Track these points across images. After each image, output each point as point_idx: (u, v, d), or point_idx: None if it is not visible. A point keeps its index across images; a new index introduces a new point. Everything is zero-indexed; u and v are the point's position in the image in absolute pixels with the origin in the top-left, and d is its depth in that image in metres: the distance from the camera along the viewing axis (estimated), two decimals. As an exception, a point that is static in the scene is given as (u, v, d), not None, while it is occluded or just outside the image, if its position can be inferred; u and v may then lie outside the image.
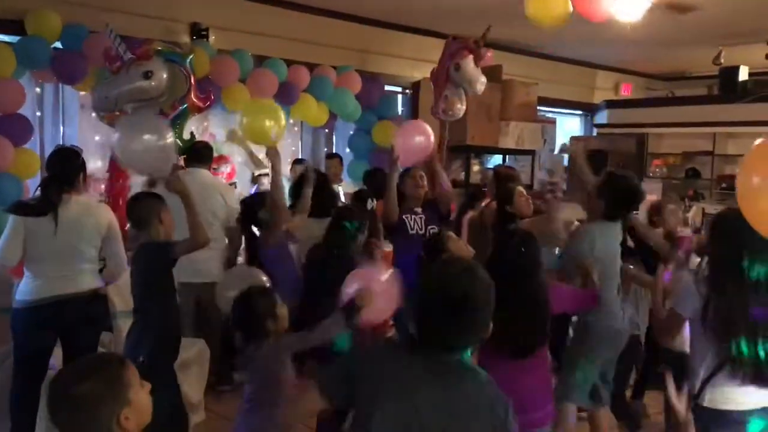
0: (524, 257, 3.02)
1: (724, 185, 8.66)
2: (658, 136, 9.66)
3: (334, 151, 7.55)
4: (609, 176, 3.77)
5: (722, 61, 8.53)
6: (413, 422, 1.82)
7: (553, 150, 9.66)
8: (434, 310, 1.88)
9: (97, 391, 1.63)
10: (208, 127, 6.65)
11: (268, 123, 4.80)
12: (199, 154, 5.08)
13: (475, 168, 8.32)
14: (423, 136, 4.79)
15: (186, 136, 5.00)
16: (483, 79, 6.21)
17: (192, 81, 4.87)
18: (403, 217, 4.65)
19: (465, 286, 1.87)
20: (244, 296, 2.92)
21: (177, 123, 4.81)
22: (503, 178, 5.17)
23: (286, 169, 5.85)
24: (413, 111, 8.07)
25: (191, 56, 4.98)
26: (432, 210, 4.79)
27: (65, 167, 3.73)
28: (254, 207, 4.56)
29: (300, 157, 7.26)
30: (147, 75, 4.50)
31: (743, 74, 8.58)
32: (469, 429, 1.84)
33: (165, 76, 4.59)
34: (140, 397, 1.71)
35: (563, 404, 3.52)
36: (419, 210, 4.74)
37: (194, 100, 4.93)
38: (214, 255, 4.75)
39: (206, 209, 4.42)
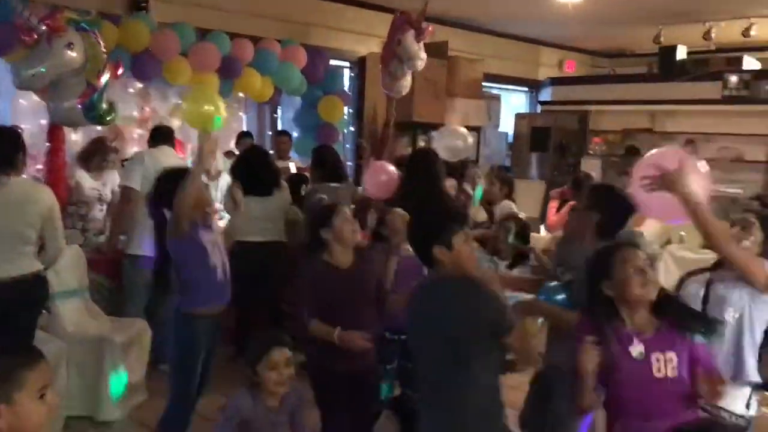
0: None
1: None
2: (599, 113, 9.83)
3: (279, 128, 7.47)
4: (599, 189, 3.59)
5: (662, 40, 8.72)
6: None
7: (497, 126, 9.78)
8: None
9: None
10: (150, 101, 6.50)
11: (207, 108, 4.73)
12: (163, 135, 5.11)
13: (422, 144, 8.36)
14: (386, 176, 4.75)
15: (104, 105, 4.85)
16: (423, 55, 6.22)
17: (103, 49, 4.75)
18: None
19: None
20: None
21: (100, 93, 4.70)
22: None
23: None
24: (359, 86, 8.03)
25: (98, 23, 4.86)
26: None
27: (4, 148, 3.60)
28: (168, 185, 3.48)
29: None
30: (70, 46, 4.40)
31: (681, 53, 8.78)
32: None
33: (84, 45, 4.50)
34: (29, 406, 1.58)
35: None
36: None
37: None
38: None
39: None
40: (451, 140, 4.82)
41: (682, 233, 5.82)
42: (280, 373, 2.84)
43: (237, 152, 6.15)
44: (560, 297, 3.09)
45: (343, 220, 3.28)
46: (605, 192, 3.38)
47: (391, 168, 4.76)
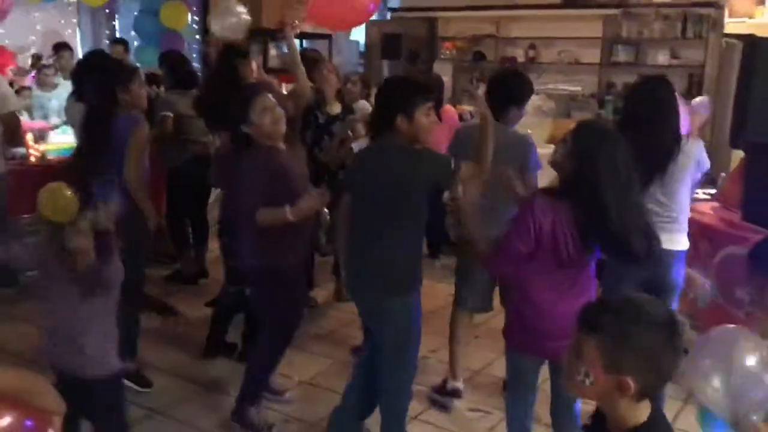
0: None
1: (507, 65, 9.21)
2: (447, 20, 9.98)
3: (117, 36, 6.97)
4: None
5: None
6: None
7: (349, 34, 9.68)
8: None
9: None
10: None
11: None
12: None
13: (272, 53, 8.13)
14: None
15: None
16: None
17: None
18: None
19: None
20: None
21: None
22: (310, 61, 5.17)
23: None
24: (203, -10, 7.61)
25: None
26: None
27: None
28: None
29: (78, 41, 6.64)
30: None
31: (524, -41, 9.00)
32: None
33: None
34: None
35: None
36: None
37: None
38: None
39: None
40: (226, 19, 4.54)
41: (529, 130, 6.10)
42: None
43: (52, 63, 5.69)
44: None
45: (261, 112, 3.04)
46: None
47: None
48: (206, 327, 4.04)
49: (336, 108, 4.60)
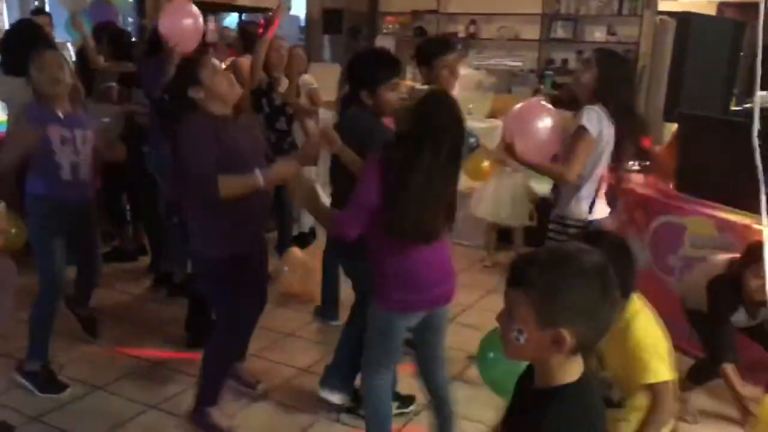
0: None
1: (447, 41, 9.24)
2: (388, -6, 9.94)
3: (42, 7, 6.66)
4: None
5: None
6: None
7: (290, 9, 9.52)
8: None
9: None
10: None
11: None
12: None
13: (212, 26, 7.94)
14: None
15: None
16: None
17: None
18: None
19: None
20: None
21: None
22: (250, 36, 5.10)
23: None
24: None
25: None
26: None
27: None
28: None
29: (5, 12, 6.33)
30: None
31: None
32: None
33: None
34: None
35: None
36: None
37: None
38: None
39: None
40: None
41: (470, 105, 6.14)
42: None
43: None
44: None
45: (213, 73, 2.79)
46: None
47: (195, 9, 4.26)
48: (147, 302, 3.96)
49: (284, 83, 4.58)
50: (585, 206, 3.11)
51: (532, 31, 8.93)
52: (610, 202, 3.30)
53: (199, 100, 2.77)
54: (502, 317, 1.36)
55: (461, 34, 9.36)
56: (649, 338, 2.15)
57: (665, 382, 2.13)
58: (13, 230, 3.56)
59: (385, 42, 8.78)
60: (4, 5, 6.52)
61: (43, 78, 3.07)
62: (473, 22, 9.39)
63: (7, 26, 6.07)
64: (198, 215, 2.84)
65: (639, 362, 2.13)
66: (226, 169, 2.62)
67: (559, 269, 1.28)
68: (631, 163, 3.98)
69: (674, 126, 4.97)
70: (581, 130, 3.00)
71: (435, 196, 2.38)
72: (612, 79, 3.06)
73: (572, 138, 3.04)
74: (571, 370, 1.33)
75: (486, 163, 5.20)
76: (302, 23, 9.89)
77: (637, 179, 4.45)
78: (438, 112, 2.40)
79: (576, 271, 1.28)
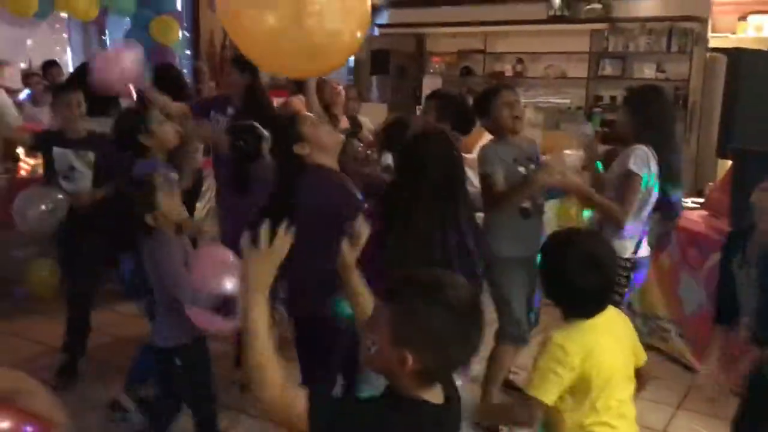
0: None
1: (494, 81, 9.31)
2: (435, 35, 10.07)
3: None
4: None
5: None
6: None
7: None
8: None
9: None
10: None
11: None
12: None
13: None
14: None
15: None
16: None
17: None
18: None
19: None
20: None
21: None
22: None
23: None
24: (193, 5, 7.65)
25: None
26: None
27: None
28: None
29: (69, 56, 6.64)
30: None
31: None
32: None
33: None
34: None
35: None
36: None
37: None
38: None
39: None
40: None
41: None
42: None
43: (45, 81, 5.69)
44: None
45: (314, 126, 2.68)
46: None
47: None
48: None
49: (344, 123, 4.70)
50: (629, 245, 3.09)
51: (579, 69, 8.93)
52: (664, 239, 3.27)
53: (307, 156, 2.63)
54: (365, 324, 1.42)
55: (508, 73, 9.43)
56: (550, 354, 1.91)
57: (529, 397, 1.91)
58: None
59: (431, 81, 8.90)
60: (68, 50, 6.84)
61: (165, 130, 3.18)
62: (520, 61, 9.45)
63: (71, 68, 6.37)
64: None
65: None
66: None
67: (426, 295, 1.32)
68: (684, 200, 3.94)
69: (728, 162, 4.89)
70: (629, 173, 2.99)
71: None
72: (647, 119, 3.05)
73: (622, 182, 3.04)
74: (426, 394, 1.36)
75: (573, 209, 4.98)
76: (350, 64, 10.10)
77: (691, 216, 4.38)
78: (426, 151, 2.39)
79: (441, 301, 1.31)
